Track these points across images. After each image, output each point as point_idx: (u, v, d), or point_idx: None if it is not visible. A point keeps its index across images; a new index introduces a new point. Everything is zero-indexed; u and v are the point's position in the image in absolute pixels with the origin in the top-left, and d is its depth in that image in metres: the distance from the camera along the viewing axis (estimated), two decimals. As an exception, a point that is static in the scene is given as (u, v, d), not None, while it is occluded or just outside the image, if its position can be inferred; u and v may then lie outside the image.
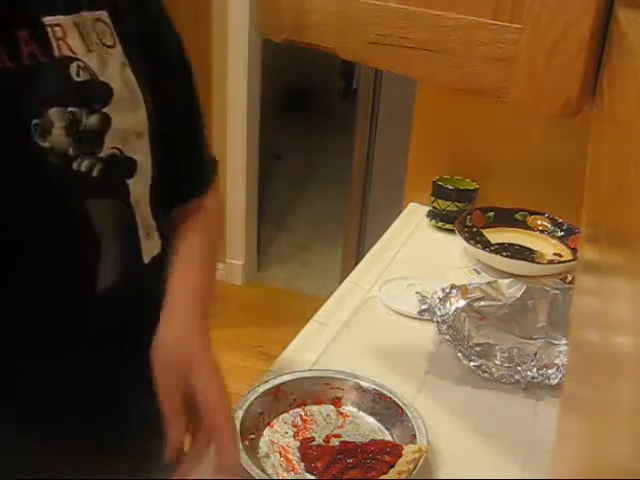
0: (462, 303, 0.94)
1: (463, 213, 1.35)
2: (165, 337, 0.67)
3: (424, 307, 1.00)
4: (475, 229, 1.34)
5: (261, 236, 3.19)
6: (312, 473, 0.75)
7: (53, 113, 0.60)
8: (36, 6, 0.60)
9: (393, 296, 1.12)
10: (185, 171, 0.81)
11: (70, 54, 0.61)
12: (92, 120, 0.63)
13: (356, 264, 1.29)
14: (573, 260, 1.21)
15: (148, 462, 0.75)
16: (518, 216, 1.38)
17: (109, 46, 0.65)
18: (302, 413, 0.85)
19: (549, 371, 0.90)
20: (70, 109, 0.61)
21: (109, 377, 0.72)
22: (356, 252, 2.10)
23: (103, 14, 0.65)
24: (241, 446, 0.73)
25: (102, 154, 0.65)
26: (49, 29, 0.60)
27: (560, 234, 1.34)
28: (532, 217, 1.37)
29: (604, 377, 0.24)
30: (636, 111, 0.28)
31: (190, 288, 0.73)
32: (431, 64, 0.60)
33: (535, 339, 0.92)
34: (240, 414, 0.79)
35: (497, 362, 0.92)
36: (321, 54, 0.75)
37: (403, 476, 0.71)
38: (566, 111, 0.52)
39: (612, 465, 0.18)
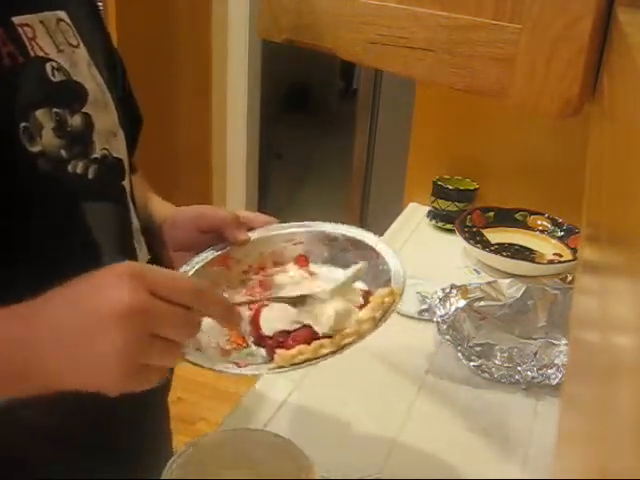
0: (462, 303, 0.94)
1: (463, 213, 1.35)
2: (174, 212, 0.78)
3: (424, 307, 1.00)
4: (475, 229, 1.34)
5: (261, 236, 3.19)
6: (262, 345, 0.62)
7: (40, 115, 0.57)
8: (2, 6, 0.57)
9: (393, 296, 1.12)
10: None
11: (43, 54, 0.59)
12: (76, 121, 0.61)
13: (356, 264, 1.28)
14: (573, 260, 1.21)
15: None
16: (518, 216, 1.38)
17: (74, 46, 0.64)
18: (260, 280, 0.70)
19: (549, 371, 0.90)
20: (55, 110, 0.59)
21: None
22: (356, 252, 2.10)
23: (63, 14, 0.63)
24: None
25: (95, 155, 0.63)
26: (20, 29, 0.57)
27: (560, 234, 1.33)
28: (532, 217, 1.37)
29: (604, 377, 0.24)
30: (636, 111, 0.28)
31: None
32: (431, 64, 0.60)
33: (535, 339, 0.92)
34: None
35: (497, 362, 0.92)
36: (321, 54, 0.76)
37: (366, 325, 0.61)
38: (566, 111, 0.52)
39: (613, 465, 0.18)
